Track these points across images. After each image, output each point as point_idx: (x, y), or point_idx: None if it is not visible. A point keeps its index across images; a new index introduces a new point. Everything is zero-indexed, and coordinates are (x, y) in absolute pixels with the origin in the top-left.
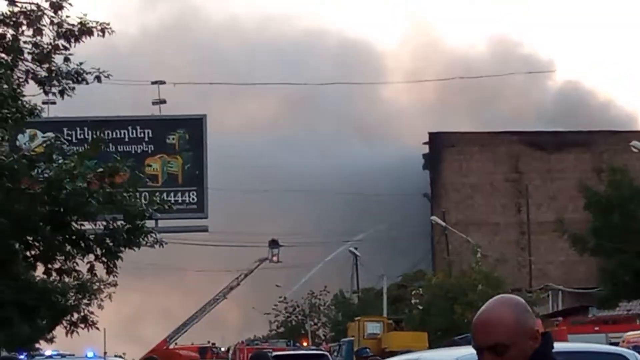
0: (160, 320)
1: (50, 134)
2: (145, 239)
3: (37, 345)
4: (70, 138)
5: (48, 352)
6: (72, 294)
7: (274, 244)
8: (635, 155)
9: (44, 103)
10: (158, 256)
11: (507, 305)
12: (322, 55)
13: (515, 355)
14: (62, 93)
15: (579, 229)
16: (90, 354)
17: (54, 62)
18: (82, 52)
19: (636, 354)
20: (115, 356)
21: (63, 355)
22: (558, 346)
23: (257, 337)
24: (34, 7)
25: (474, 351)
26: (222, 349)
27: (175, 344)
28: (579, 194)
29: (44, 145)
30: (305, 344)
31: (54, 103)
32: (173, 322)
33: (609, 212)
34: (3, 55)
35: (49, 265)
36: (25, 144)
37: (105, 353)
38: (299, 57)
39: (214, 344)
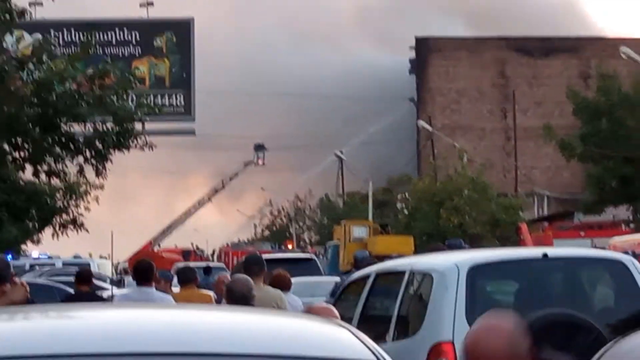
0: (145, 224)
1: (38, 36)
2: (135, 141)
3: (23, 247)
4: (57, 40)
5: (35, 254)
6: (59, 196)
7: (259, 147)
8: (624, 61)
9: (30, 4)
10: (144, 159)
11: (502, 337)
12: None
13: None
14: None
15: (564, 134)
16: (35, 254)
17: None
18: None
19: (633, 260)
20: (101, 257)
21: (50, 257)
22: (556, 252)
23: (242, 240)
24: None
25: (472, 256)
26: (206, 252)
27: (159, 246)
28: (566, 100)
29: (32, 47)
30: (290, 247)
31: (41, 4)
32: (158, 225)
33: (597, 118)
34: None
35: (38, 167)
36: (12, 45)
37: (90, 255)
38: None
39: (197, 246)
